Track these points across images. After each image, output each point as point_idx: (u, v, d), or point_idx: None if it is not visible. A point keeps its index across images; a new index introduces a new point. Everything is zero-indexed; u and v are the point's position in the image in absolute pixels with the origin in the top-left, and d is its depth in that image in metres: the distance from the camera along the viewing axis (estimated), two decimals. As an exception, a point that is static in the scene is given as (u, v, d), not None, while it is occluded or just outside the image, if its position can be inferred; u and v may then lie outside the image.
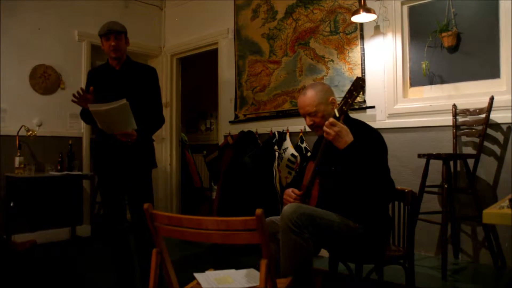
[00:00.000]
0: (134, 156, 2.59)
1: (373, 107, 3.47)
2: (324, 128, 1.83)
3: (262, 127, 4.21)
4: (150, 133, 2.68)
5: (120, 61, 2.63)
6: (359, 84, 1.79)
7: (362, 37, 3.56)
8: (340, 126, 1.80)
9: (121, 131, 2.43)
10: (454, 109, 3.01)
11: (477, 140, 2.91)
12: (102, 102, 2.38)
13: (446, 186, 2.71)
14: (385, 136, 2.04)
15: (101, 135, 2.62)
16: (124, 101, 2.33)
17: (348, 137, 1.81)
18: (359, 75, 3.53)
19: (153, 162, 2.75)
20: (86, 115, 2.59)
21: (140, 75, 2.67)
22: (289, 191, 2.09)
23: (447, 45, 3.11)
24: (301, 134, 3.83)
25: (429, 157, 2.87)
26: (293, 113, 3.97)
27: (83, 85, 4.46)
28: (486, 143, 2.92)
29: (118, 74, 2.63)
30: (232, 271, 1.67)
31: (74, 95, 2.42)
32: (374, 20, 3.42)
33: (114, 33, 2.55)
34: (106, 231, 2.73)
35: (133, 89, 2.54)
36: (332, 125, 1.80)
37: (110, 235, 2.69)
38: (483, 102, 2.86)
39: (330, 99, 2.04)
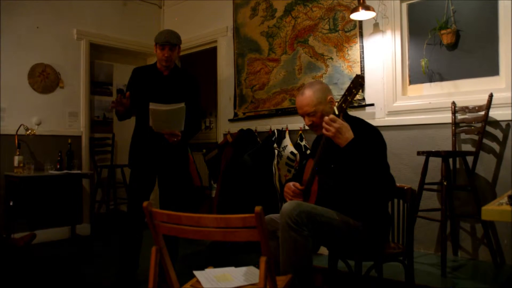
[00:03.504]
0: (175, 156, 2.79)
1: (372, 104, 3.47)
2: (324, 124, 1.81)
3: (262, 125, 4.21)
4: (189, 138, 2.85)
5: (168, 67, 2.77)
6: (358, 82, 1.77)
7: (361, 35, 3.56)
8: (340, 123, 1.79)
9: (170, 130, 2.57)
10: (453, 107, 3.01)
11: (476, 137, 2.92)
12: (146, 103, 2.51)
13: (445, 183, 2.71)
14: (384, 133, 2.04)
15: (141, 134, 2.79)
16: (182, 104, 2.50)
17: (348, 133, 1.79)
18: (358, 72, 3.53)
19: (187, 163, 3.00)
20: (120, 114, 2.76)
21: (185, 83, 2.82)
22: (290, 184, 2.08)
23: (446, 42, 3.11)
24: (300, 132, 3.83)
25: (428, 154, 2.87)
26: (292, 111, 3.97)
27: (83, 83, 4.58)
28: (485, 141, 2.92)
29: (165, 79, 2.78)
30: (232, 268, 1.67)
31: (113, 102, 2.56)
32: (373, 18, 3.42)
33: (170, 45, 2.69)
34: (126, 227, 2.82)
35: (178, 95, 2.66)
36: (332, 121, 1.79)
37: (128, 232, 2.78)
38: (482, 100, 2.86)
39: (329, 98, 2.02)
